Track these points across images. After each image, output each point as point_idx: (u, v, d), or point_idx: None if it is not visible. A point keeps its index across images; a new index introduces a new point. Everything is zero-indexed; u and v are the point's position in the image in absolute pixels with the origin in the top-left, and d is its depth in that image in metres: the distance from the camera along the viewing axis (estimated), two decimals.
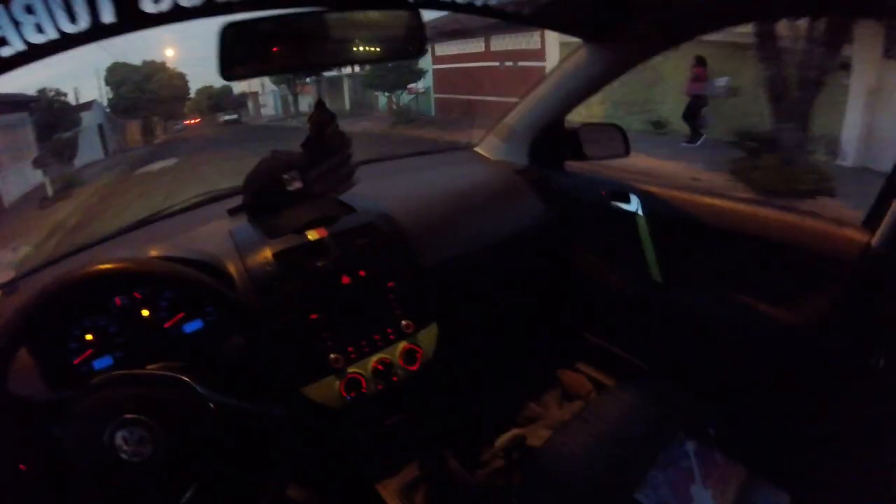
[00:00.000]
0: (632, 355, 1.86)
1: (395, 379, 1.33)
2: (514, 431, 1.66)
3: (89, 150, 23.28)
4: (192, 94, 40.94)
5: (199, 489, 0.89)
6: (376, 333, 1.32)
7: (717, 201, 1.54)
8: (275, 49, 1.02)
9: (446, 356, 1.43)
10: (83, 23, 0.84)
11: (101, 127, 26.18)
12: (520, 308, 1.90)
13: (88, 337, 1.12)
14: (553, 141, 1.84)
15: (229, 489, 0.98)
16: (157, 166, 17.85)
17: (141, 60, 31.38)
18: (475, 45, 16.36)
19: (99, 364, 1.12)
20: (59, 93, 20.55)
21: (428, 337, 1.39)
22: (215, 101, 44.97)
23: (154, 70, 31.48)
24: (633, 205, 1.64)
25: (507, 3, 1.27)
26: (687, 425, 1.36)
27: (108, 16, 0.85)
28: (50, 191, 14.62)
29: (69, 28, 0.84)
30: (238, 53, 0.98)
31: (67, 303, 0.98)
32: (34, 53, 0.85)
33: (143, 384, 0.89)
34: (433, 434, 1.64)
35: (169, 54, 33.07)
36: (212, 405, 0.89)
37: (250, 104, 41.95)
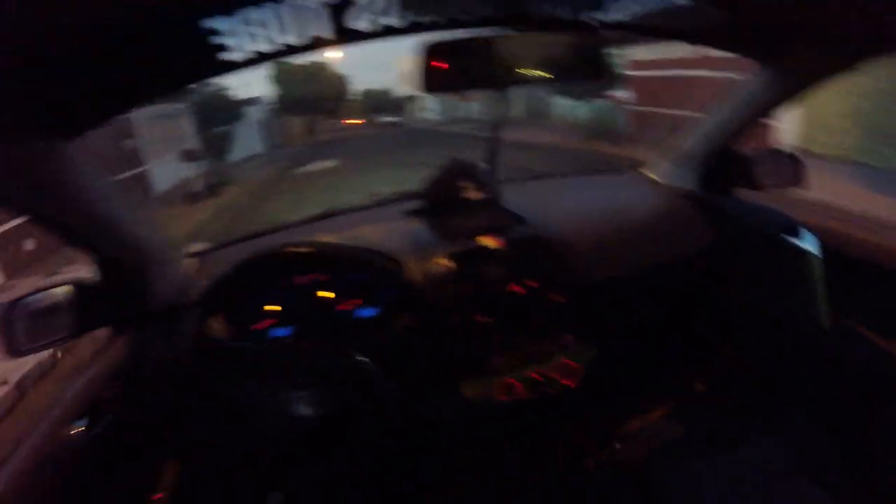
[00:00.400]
0: (786, 396, 1.73)
1: (548, 390, 1.40)
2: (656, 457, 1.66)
3: (249, 145, 24.87)
4: (353, 96, 43.44)
5: (348, 457, 1.03)
6: (537, 343, 1.40)
7: None
8: (472, 68, 1.09)
9: (602, 377, 1.48)
10: (305, 36, 0.96)
11: (262, 123, 28.28)
12: (678, 335, 1.88)
13: (270, 308, 1.30)
14: (723, 166, 1.79)
15: (375, 465, 1.12)
16: (314, 167, 17.78)
17: (305, 60, 34.08)
18: (686, 50, 13.00)
19: (275, 333, 1.29)
20: (221, 87, 22.34)
21: (586, 354, 1.45)
22: (375, 103, 47.23)
23: (317, 70, 33.96)
24: (805, 240, 1.55)
25: (676, 23, 1.26)
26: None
27: (326, 31, 0.96)
28: (200, 185, 14.66)
29: (287, 40, 0.95)
30: (438, 70, 1.06)
31: (261, 275, 1.25)
32: (259, 59, 0.98)
33: (323, 356, 1.06)
34: (575, 448, 1.67)
35: (332, 55, 35.37)
36: (380, 387, 1.03)
37: (410, 107, 43.55)
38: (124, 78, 0.92)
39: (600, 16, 1.16)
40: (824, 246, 1.51)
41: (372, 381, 1.02)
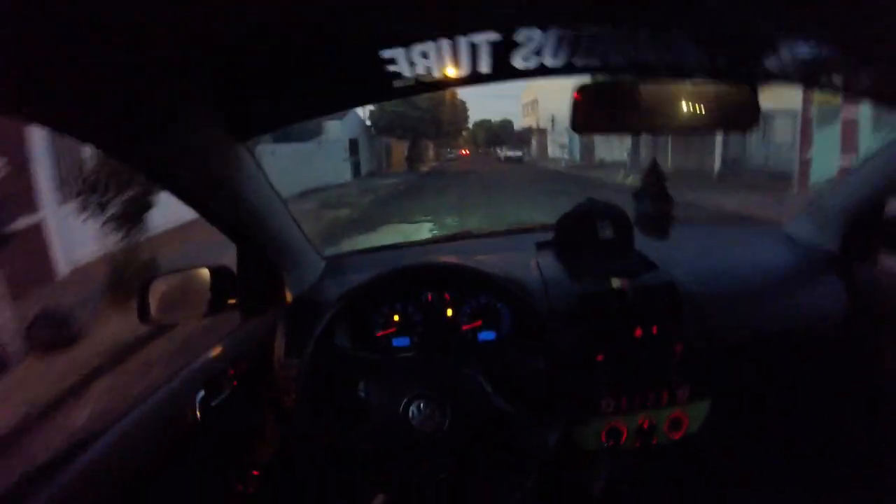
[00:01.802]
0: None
1: (654, 441, 1.58)
2: None
3: (330, 168, 22.86)
4: (469, 125, 43.89)
5: (460, 470, 1.25)
6: (651, 391, 1.57)
7: None
8: (621, 112, 1.33)
9: (710, 436, 1.63)
10: (464, 70, 1.20)
11: (353, 142, 27.36)
12: (804, 409, 1.95)
13: (395, 318, 1.59)
14: (871, 228, 1.88)
15: (481, 482, 1.32)
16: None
17: None
18: None
19: (397, 342, 1.58)
20: None
21: (699, 410, 1.60)
22: (493, 135, 47.62)
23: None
24: None
25: (829, 75, 1.39)
26: None
27: (485, 67, 1.20)
28: None
29: (452, 73, 1.20)
30: (588, 112, 1.30)
31: (395, 287, 1.56)
32: (419, 88, 1.25)
33: (443, 370, 1.30)
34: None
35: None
36: (491, 405, 1.25)
37: (534, 142, 43.48)
38: (300, 93, 1.24)
39: (756, 65, 1.33)
40: None
41: (483, 398, 1.25)
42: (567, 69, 1.25)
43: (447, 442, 1.22)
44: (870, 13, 1.03)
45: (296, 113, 1.35)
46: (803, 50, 1.29)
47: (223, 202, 1.35)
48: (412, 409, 1.21)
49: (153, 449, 1.24)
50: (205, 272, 1.53)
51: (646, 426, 1.57)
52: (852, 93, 1.44)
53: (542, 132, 41.73)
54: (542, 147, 41.84)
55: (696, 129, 1.39)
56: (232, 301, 1.59)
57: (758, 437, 1.95)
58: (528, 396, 1.33)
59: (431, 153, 38.82)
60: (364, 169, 28.01)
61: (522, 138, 45.71)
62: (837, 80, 1.39)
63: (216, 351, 1.51)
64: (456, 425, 1.22)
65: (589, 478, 1.71)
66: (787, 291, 1.87)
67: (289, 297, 1.68)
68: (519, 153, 40.33)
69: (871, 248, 1.90)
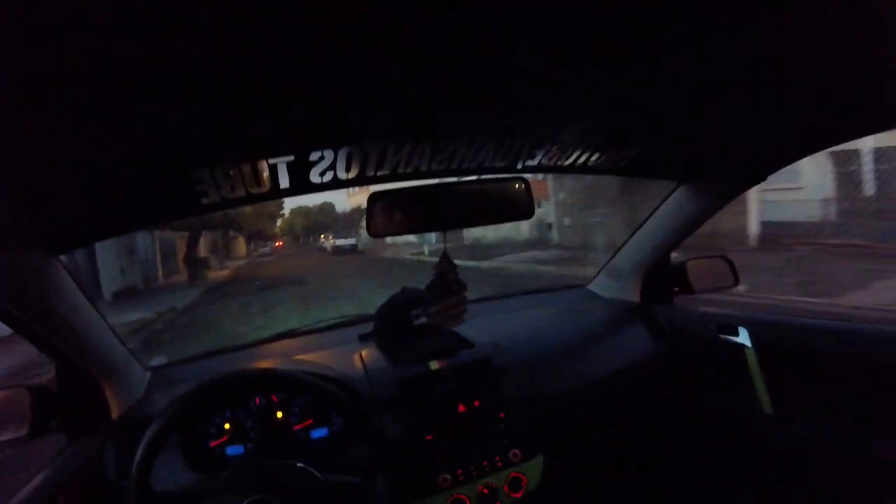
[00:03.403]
0: (744, 494, 2.35)
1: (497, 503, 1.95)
2: None
3: None
4: (285, 213, 43.20)
5: None
6: (485, 459, 1.98)
7: (834, 324, 2.08)
8: (409, 214, 1.70)
9: (550, 488, 2.05)
10: (265, 187, 1.53)
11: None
12: (626, 443, 2.48)
13: (226, 426, 1.84)
14: (661, 277, 2.57)
15: None
16: None
17: None
18: None
19: (231, 451, 1.82)
20: None
21: (534, 467, 2.03)
22: (315, 222, 46.93)
23: None
24: (742, 336, 2.26)
25: (600, 160, 1.91)
26: None
27: (284, 182, 1.53)
28: None
29: (255, 190, 1.53)
30: (380, 216, 1.67)
31: (217, 397, 1.66)
32: (224, 204, 1.55)
33: (277, 470, 1.53)
34: None
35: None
36: (335, 486, 1.53)
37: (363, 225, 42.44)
38: (112, 208, 1.48)
39: (533, 163, 1.82)
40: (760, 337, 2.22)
41: (321, 487, 1.48)
42: (359, 181, 1.64)
43: None
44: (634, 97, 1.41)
45: (109, 228, 1.59)
46: (567, 143, 1.74)
47: (36, 318, 1.54)
48: None
49: None
50: (22, 392, 1.68)
51: (486, 492, 1.95)
52: (631, 173, 2.01)
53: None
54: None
55: (480, 222, 1.86)
56: (55, 422, 1.76)
57: (595, 479, 2.46)
58: (365, 482, 1.61)
59: (242, 249, 37.60)
60: (112, 287, 21.83)
61: (352, 222, 45.36)
62: (602, 165, 1.93)
63: (42, 476, 1.63)
64: None
65: None
66: (599, 342, 2.46)
67: (115, 413, 1.88)
68: (352, 241, 39.81)
69: (665, 292, 2.61)
